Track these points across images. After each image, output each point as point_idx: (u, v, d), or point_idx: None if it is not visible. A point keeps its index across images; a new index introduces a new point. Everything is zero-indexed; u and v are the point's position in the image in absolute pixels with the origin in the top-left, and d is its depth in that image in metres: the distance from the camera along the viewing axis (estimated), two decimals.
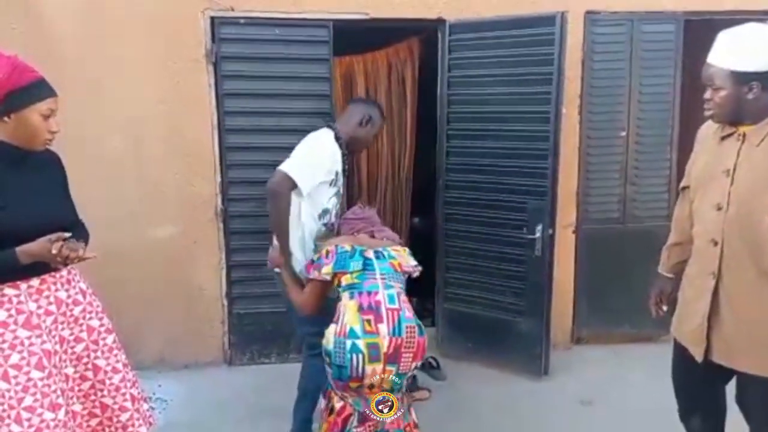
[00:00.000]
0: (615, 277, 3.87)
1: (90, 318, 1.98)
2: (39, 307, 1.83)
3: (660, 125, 3.78)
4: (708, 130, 2.07)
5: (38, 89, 1.80)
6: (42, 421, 1.76)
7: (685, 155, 4.02)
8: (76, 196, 3.51)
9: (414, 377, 3.41)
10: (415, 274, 2.46)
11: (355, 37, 3.76)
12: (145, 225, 3.46)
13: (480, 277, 3.61)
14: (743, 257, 1.88)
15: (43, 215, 1.85)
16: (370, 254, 2.38)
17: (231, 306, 3.65)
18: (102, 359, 1.98)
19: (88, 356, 1.96)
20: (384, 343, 2.14)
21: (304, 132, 3.47)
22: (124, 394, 2.04)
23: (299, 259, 2.58)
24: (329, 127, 2.70)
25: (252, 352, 3.70)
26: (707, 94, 1.90)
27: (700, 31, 3.80)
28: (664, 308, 2.31)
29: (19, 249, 1.75)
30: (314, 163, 2.52)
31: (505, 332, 3.56)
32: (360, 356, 2.12)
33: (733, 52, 1.82)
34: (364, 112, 2.71)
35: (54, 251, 1.75)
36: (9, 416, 1.74)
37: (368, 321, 2.17)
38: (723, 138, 1.95)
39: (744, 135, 1.88)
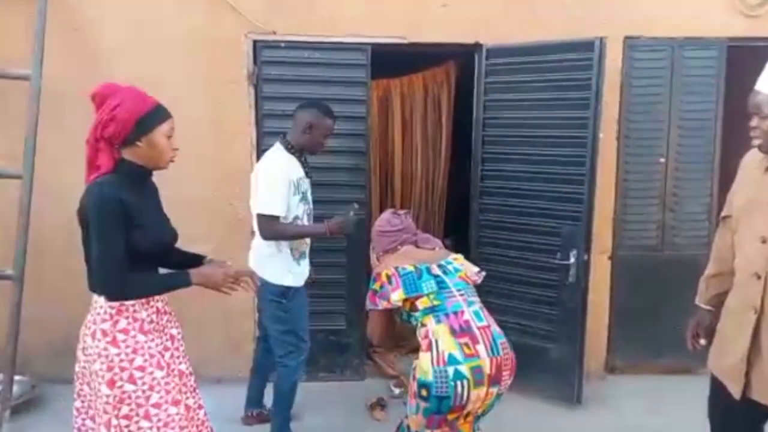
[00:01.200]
0: (652, 306, 3.78)
1: (171, 327, 2.10)
2: (148, 315, 1.97)
3: (701, 152, 3.71)
4: (753, 158, 2.01)
5: (160, 112, 1.96)
6: (168, 415, 1.91)
7: (727, 183, 3.93)
8: None
9: None
10: (479, 281, 2.37)
11: (392, 59, 3.81)
12: (182, 242, 3.53)
13: (513, 302, 3.57)
14: None
15: (167, 233, 2.06)
16: (437, 270, 2.23)
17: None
18: (184, 363, 2.14)
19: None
20: (486, 365, 2.04)
21: (340, 153, 3.56)
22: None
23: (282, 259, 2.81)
24: (282, 140, 2.91)
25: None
26: (754, 122, 1.87)
27: (743, 58, 3.74)
28: (702, 342, 2.23)
29: (193, 272, 1.97)
30: (276, 190, 2.76)
31: (538, 359, 3.50)
32: (465, 382, 2.00)
33: None
34: (305, 120, 2.86)
35: (232, 279, 1.99)
36: (137, 414, 1.88)
37: (466, 344, 2.04)
38: (766, 170, 1.91)
39: None
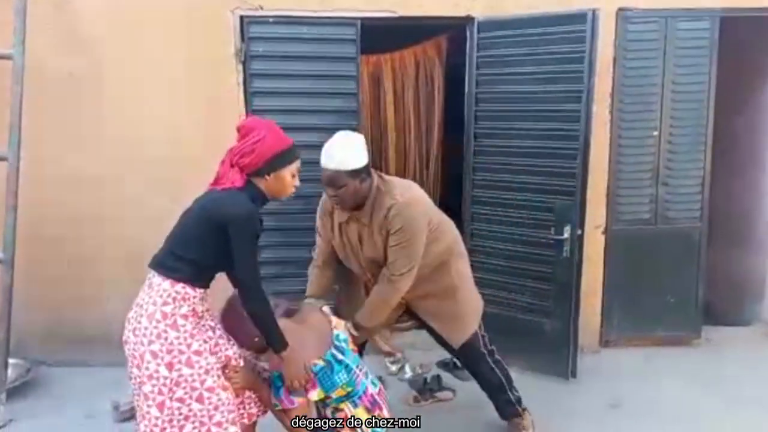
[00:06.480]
0: (646, 279, 3.80)
1: (209, 320, 2.22)
2: (202, 310, 2.10)
3: (694, 125, 3.69)
4: (328, 208, 2.56)
5: (293, 152, 2.14)
6: (219, 399, 2.03)
7: (721, 155, 3.95)
8: (115, 195, 3.60)
9: (438, 377, 3.40)
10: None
11: (383, 35, 3.76)
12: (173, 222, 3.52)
13: (507, 277, 3.57)
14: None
15: None
16: (339, 355, 2.24)
17: None
18: (231, 349, 2.23)
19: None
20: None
21: (331, 130, 3.50)
22: None
23: None
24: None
25: None
26: (330, 192, 2.37)
27: (736, 29, 3.71)
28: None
29: (290, 347, 2.13)
30: None
31: (532, 334, 3.52)
32: None
33: (347, 156, 2.34)
34: None
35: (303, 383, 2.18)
36: (191, 397, 1.99)
37: (377, 415, 2.29)
38: (346, 222, 2.48)
39: (358, 219, 2.44)
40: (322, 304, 2.48)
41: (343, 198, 2.37)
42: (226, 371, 2.13)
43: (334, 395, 2.21)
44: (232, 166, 2.08)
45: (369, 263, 2.52)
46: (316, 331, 2.28)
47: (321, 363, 2.19)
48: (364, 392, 2.26)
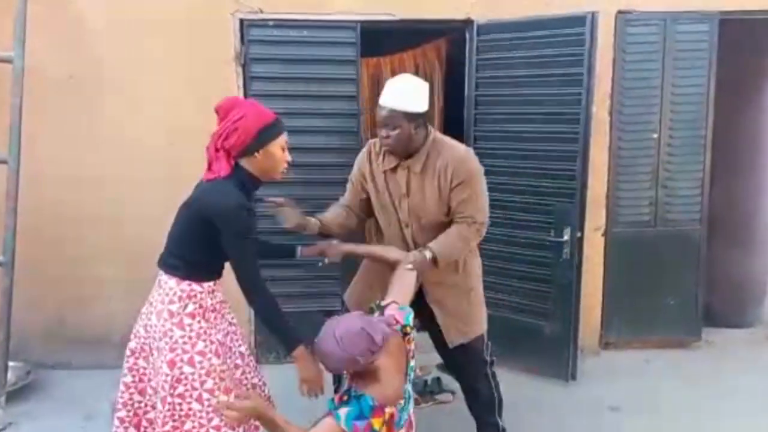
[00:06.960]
0: (646, 282, 3.80)
1: (228, 314, 2.23)
2: (212, 304, 2.08)
3: (693, 127, 3.70)
4: (374, 153, 2.45)
5: (278, 125, 2.03)
6: (218, 402, 1.97)
7: (721, 157, 3.94)
8: (115, 195, 3.59)
9: (438, 379, 3.40)
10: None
11: (383, 38, 3.77)
12: None
13: (507, 279, 3.56)
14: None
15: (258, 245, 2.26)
16: (409, 388, 2.00)
17: None
18: (243, 345, 2.27)
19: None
20: None
21: (331, 133, 3.53)
22: None
23: None
24: None
25: (277, 352, 3.73)
26: (383, 132, 2.28)
27: (735, 31, 3.72)
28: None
29: (306, 348, 2.04)
30: None
31: (531, 336, 3.51)
32: None
33: (407, 97, 2.25)
34: None
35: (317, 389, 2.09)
36: (191, 396, 1.98)
37: None
38: (391, 170, 2.39)
39: (408, 167, 2.35)
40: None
41: (396, 141, 2.27)
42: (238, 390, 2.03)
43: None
44: (217, 150, 1.99)
45: (411, 216, 2.41)
46: (400, 366, 2.00)
47: (402, 402, 1.93)
48: (408, 416, 2.01)
